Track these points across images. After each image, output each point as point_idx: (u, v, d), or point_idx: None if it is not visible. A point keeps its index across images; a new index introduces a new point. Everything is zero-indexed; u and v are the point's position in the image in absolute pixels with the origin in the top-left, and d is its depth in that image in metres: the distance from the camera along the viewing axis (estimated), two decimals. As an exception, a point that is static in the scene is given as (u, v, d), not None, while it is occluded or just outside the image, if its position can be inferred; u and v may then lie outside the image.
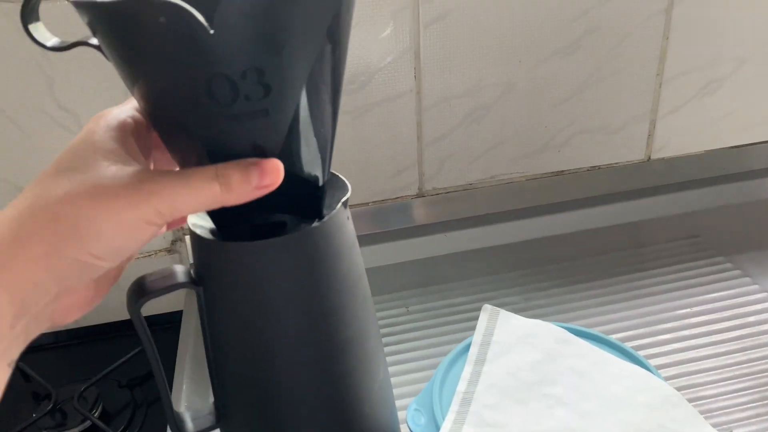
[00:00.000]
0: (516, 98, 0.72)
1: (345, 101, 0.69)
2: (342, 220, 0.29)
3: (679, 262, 0.69)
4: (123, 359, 0.65)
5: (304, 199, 0.29)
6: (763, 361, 0.55)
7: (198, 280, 0.29)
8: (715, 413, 0.50)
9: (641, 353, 0.55)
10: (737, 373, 0.54)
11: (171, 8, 0.20)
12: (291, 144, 0.26)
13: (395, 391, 0.49)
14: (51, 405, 0.60)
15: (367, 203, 0.75)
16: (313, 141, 0.27)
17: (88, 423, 0.59)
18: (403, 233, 0.76)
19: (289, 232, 0.28)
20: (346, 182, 0.31)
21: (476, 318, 0.62)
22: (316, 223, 0.28)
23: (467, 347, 0.43)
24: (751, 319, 0.60)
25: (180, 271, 0.29)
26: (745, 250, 0.70)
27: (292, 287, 0.28)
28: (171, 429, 0.32)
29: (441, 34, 0.67)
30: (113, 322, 0.73)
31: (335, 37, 0.24)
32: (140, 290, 0.29)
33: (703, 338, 0.58)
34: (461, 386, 0.40)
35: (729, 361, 0.55)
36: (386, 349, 0.59)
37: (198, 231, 0.29)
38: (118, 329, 0.71)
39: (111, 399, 0.63)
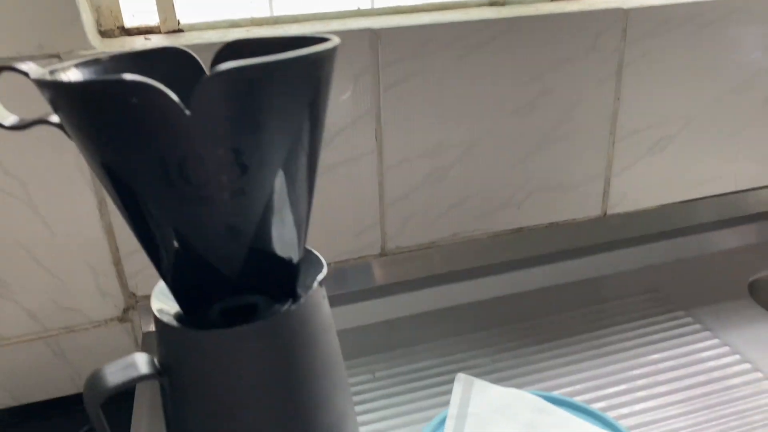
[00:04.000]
0: (476, 157, 0.73)
1: (305, 162, 0.68)
2: (318, 300, 0.28)
3: (641, 317, 0.70)
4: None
5: (277, 278, 0.27)
6: (731, 418, 0.55)
7: (163, 370, 0.27)
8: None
9: (610, 412, 0.55)
10: (709, 430, 0.54)
11: (145, 89, 0.19)
12: (266, 223, 0.24)
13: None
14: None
15: (329, 263, 0.74)
16: (290, 219, 0.25)
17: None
18: (366, 294, 0.74)
19: (263, 315, 0.26)
20: (321, 259, 0.30)
21: (446, 383, 0.61)
22: (292, 306, 0.26)
23: (443, 421, 0.41)
24: (716, 374, 0.60)
25: (142, 361, 0.27)
26: (703, 303, 0.71)
27: (268, 375, 0.26)
28: None
29: (401, 96, 0.68)
30: (56, 398, 0.68)
31: (314, 115, 0.23)
32: (100, 385, 0.26)
33: (670, 396, 0.58)
34: (441, 464, 0.38)
35: (700, 419, 0.55)
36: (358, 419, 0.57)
37: (164, 318, 0.27)
38: (61, 406, 0.67)
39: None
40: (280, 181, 0.24)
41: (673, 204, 0.83)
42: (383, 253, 0.75)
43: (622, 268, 0.79)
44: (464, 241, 0.77)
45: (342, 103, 0.66)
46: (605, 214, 0.81)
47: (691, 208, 0.83)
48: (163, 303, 0.28)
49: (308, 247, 0.30)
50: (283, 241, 0.26)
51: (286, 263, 0.27)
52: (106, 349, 0.69)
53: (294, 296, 0.27)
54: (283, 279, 0.28)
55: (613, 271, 0.79)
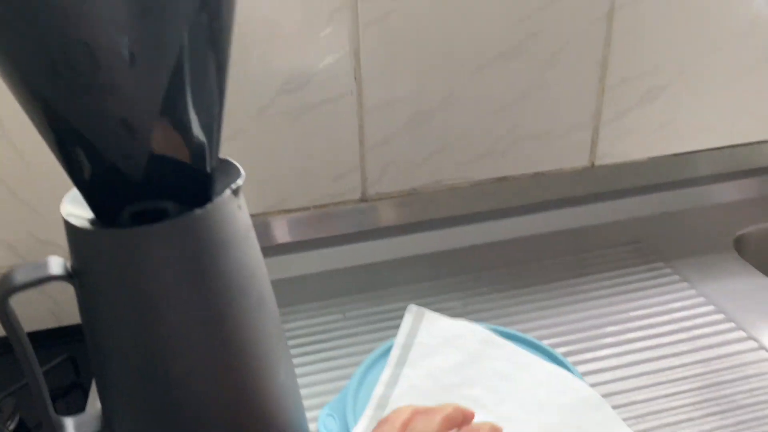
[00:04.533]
0: (459, 102, 0.71)
1: (283, 102, 0.67)
2: (231, 209, 0.28)
3: (619, 267, 0.69)
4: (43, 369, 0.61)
5: (189, 185, 0.27)
6: (697, 365, 0.54)
7: (74, 272, 0.27)
8: (647, 417, 0.49)
9: (577, 357, 0.55)
10: (671, 377, 0.53)
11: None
12: (164, 122, 0.24)
13: (325, 399, 0.47)
14: (-38, 416, 0.57)
15: (308, 208, 0.74)
16: (193, 121, 0.25)
17: (1, 437, 0.56)
18: (344, 239, 0.74)
19: (172, 219, 0.26)
20: (240, 169, 0.29)
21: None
22: (198, 210, 0.26)
23: (388, 350, 0.41)
24: (686, 323, 0.60)
25: (54, 262, 0.27)
26: (685, 256, 0.70)
27: (174, 280, 0.26)
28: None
29: (381, 35, 0.66)
30: (36, 331, 0.70)
31: (211, 7, 0.23)
32: (7, 282, 0.26)
33: (638, 342, 0.57)
34: (378, 389, 0.38)
35: (663, 365, 0.55)
36: (321, 356, 0.57)
37: (71, 220, 0.27)
38: (41, 339, 0.68)
39: (30, 411, 0.60)
40: (176, 78, 0.23)
41: (664, 156, 0.81)
42: (363, 199, 0.75)
43: (606, 219, 0.78)
44: (446, 189, 0.76)
45: (319, 40, 0.65)
46: (593, 165, 0.80)
47: (681, 162, 0.81)
48: (76, 209, 0.28)
49: (231, 159, 0.30)
50: (190, 145, 0.26)
51: (196, 170, 0.27)
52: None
53: (209, 202, 0.27)
54: (196, 187, 0.27)
55: (597, 222, 0.78)
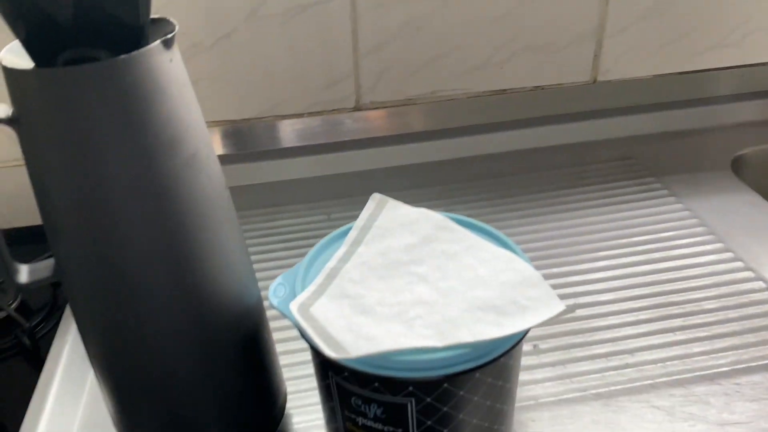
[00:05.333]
0: (456, 7, 0.70)
1: (273, 2, 0.67)
2: (161, 60, 0.28)
3: (609, 181, 0.68)
4: (47, 255, 0.64)
5: (120, 35, 0.28)
6: (669, 272, 0.55)
7: (14, 117, 0.29)
8: (609, 317, 0.50)
9: (557, 264, 0.56)
10: (642, 281, 0.54)
11: None
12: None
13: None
14: (-34, 295, 0.61)
15: (302, 114, 0.74)
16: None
17: (3, 314, 0.60)
18: (337, 146, 0.75)
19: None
20: (175, 24, 0.30)
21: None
22: (125, 56, 0.27)
23: (347, 232, 0.43)
24: (667, 234, 0.59)
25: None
26: (678, 173, 0.69)
27: (105, 126, 0.27)
28: (3, 278, 0.32)
29: (374, -67, 0.65)
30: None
31: None
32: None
33: (616, 250, 0.58)
34: (331, 263, 0.39)
35: (635, 271, 0.55)
36: (302, 251, 0.59)
37: (6, 62, 0.28)
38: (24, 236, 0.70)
39: (31, 293, 0.63)
40: None
41: (669, 75, 0.78)
42: (357, 108, 0.75)
43: (603, 136, 0.77)
44: (443, 100, 0.76)
45: (310, -62, 0.64)
46: (595, 80, 0.78)
47: (686, 80, 0.79)
48: (15, 58, 0.29)
49: (169, 18, 0.30)
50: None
51: (126, 19, 0.28)
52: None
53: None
54: (128, 38, 0.28)
55: (593, 139, 0.77)
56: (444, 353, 0.33)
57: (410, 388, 0.34)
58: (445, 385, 0.34)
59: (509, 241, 0.40)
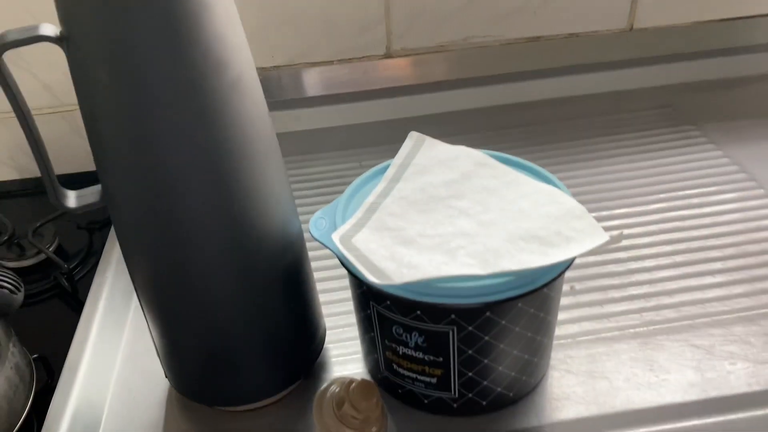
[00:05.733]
0: (489, -50, 0.68)
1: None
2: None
3: (647, 129, 0.67)
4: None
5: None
6: (709, 218, 0.54)
7: (63, 36, 0.29)
8: (655, 270, 0.50)
9: (595, 209, 0.55)
10: (681, 226, 0.53)
11: None
12: None
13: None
14: (7, 237, 0.62)
15: (332, 61, 0.73)
16: None
17: (42, 256, 0.61)
18: (369, 95, 0.74)
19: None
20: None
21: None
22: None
23: (386, 168, 0.42)
24: (706, 180, 0.58)
25: (46, 26, 0.29)
26: (717, 121, 0.67)
27: (156, 43, 0.27)
28: (52, 201, 0.32)
29: None
30: (81, 172, 0.74)
31: None
32: (2, 39, 0.28)
33: (654, 195, 0.57)
34: (371, 198, 0.39)
35: (674, 215, 0.54)
36: (334, 197, 0.59)
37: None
38: (78, 181, 0.72)
39: (68, 238, 0.64)
40: None
41: (708, 22, 0.76)
42: (388, 54, 0.74)
43: (641, 84, 0.75)
44: (475, 48, 0.74)
45: None
46: (632, 28, 0.76)
47: (726, 28, 0.76)
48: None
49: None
50: None
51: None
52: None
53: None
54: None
55: (631, 87, 0.75)
56: (487, 281, 0.33)
57: (452, 316, 0.34)
58: (488, 313, 0.34)
59: (551, 176, 0.40)
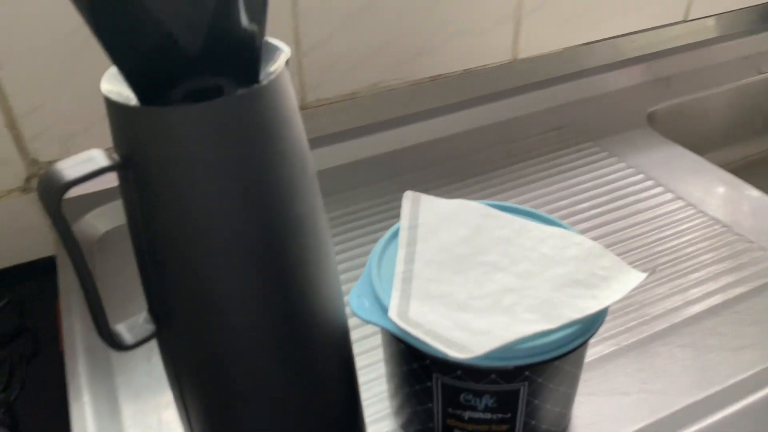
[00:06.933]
0: (391, 1, 0.70)
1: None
2: (286, 81, 0.27)
3: (554, 150, 0.73)
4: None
5: (239, 60, 0.25)
6: (635, 228, 0.60)
7: (123, 161, 0.25)
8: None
9: None
10: (602, 232, 0.59)
11: None
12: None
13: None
14: None
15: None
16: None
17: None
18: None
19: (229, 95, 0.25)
20: (280, 44, 0.28)
21: (379, 222, 0.62)
22: (265, 81, 0.25)
23: (396, 233, 0.42)
24: (621, 192, 0.65)
25: (98, 154, 0.25)
26: (608, 134, 0.76)
27: (241, 158, 0.25)
28: (107, 344, 0.28)
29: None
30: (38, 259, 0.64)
31: None
32: (57, 180, 0.24)
33: (579, 215, 0.63)
34: (399, 267, 0.39)
35: (605, 231, 0.60)
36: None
37: (119, 99, 0.24)
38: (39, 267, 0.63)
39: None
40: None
41: (575, 47, 0.85)
42: (303, 107, 0.73)
43: (532, 109, 0.82)
44: (385, 91, 0.76)
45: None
46: (515, 58, 0.83)
47: (589, 50, 0.86)
48: (114, 86, 0.25)
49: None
50: (250, 12, 0.24)
51: (248, 42, 0.25)
52: (10, 223, 0.64)
53: (257, 81, 0.26)
54: (247, 62, 0.26)
55: (524, 113, 0.81)
56: (556, 334, 0.34)
57: (526, 373, 0.35)
58: (556, 363, 0.35)
59: (550, 217, 0.43)
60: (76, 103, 0.62)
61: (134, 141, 0.25)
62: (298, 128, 0.28)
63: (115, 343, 0.28)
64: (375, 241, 0.59)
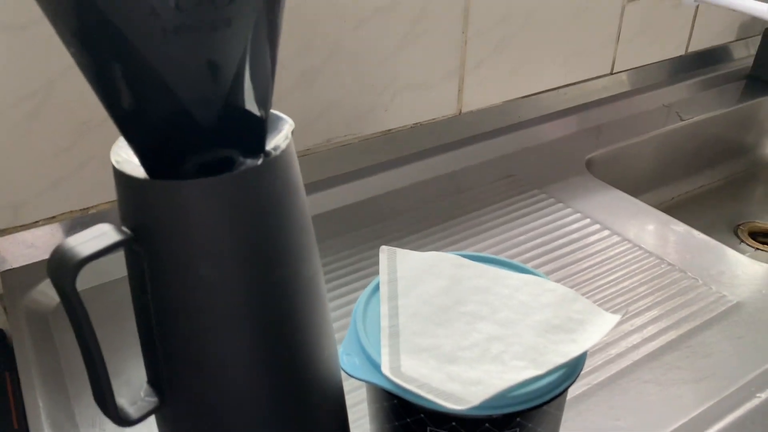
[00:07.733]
0: (344, 57, 0.73)
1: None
2: (292, 153, 0.28)
3: (502, 199, 0.77)
4: None
5: (248, 133, 0.26)
6: (587, 270, 0.64)
7: (135, 235, 0.25)
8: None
9: None
10: (570, 286, 0.62)
11: None
12: (245, 61, 0.23)
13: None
14: None
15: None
16: (267, 60, 0.24)
17: None
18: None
19: (237, 168, 0.25)
20: (283, 115, 0.29)
21: (339, 277, 0.63)
22: (275, 153, 0.26)
23: (376, 288, 0.43)
24: (574, 235, 0.69)
25: (108, 229, 0.25)
26: (552, 181, 0.80)
27: (252, 229, 0.26)
28: (113, 420, 0.27)
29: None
30: None
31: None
32: (71, 258, 0.24)
33: (535, 260, 0.65)
34: (384, 322, 0.40)
35: (563, 274, 0.63)
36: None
37: (131, 172, 0.25)
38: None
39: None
40: (263, 17, 0.23)
41: (515, 99, 0.90)
42: (258, 164, 0.73)
43: (480, 159, 0.85)
44: (338, 147, 0.78)
45: None
46: (460, 112, 0.87)
47: (527, 103, 0.91)
48: (128, 159, 0.26)
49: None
50: (260, 89, 0.25)
51: (257, 116, 0.26)
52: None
53: (263, 152, 0.27)
54: (253, 135, 0.27)
55: (472, 163, 0.85)
56: (545, 380, 0.36)
57: (517, 420, 0.36)
58: (544, 408, 0.37)
59: (521, 264, 0.45)
60: (27, 170, 0.60)
61: (145, 213, 0.25)
62: (303, 194, 0.29)
63: (120, 418, 0.27)
64: (341, 295, 0.60)
